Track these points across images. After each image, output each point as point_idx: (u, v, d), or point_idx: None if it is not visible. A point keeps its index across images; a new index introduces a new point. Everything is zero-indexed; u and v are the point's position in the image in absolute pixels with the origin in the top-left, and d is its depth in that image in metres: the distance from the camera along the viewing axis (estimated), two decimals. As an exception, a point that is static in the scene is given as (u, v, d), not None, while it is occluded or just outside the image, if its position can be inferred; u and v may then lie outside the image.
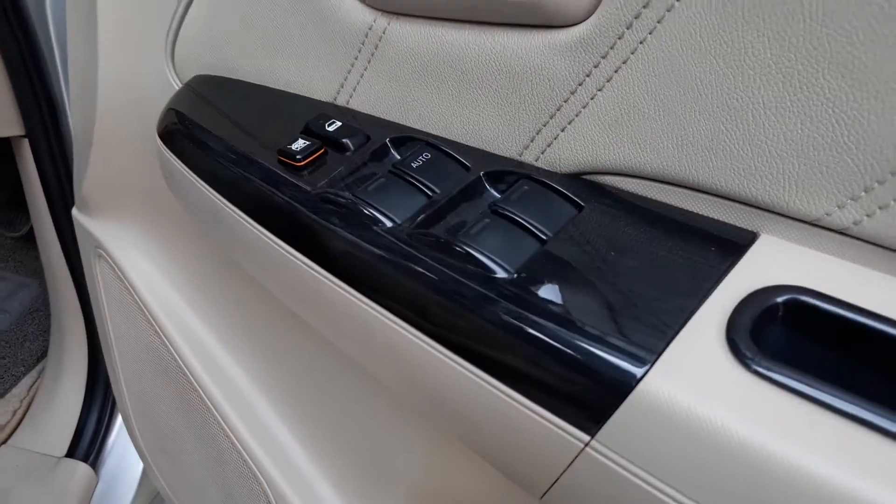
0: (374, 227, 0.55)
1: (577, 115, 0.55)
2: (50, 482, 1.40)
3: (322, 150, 0.62)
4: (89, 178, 1.00)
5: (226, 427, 0.93)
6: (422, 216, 0.54)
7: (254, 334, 0.88)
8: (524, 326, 0.47)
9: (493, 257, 0.50)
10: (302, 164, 0.61)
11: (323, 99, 0.71)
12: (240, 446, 0.92)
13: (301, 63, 0.72)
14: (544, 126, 0.57)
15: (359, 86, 0.68)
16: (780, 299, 0.44)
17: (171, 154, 0.76)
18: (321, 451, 0.84)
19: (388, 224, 0.55)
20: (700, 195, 0.51)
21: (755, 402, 0.39)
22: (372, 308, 0.55)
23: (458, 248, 0.51)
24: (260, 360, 0.89)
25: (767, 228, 0.49)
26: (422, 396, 0.58)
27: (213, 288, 0.92)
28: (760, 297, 0.44)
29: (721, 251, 0.48)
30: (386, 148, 0.62)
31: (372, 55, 0.65)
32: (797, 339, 0.41)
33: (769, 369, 0.40)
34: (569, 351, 0.45)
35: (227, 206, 0.68)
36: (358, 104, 0.68)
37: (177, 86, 0.83)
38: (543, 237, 0.52)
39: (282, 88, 0.74)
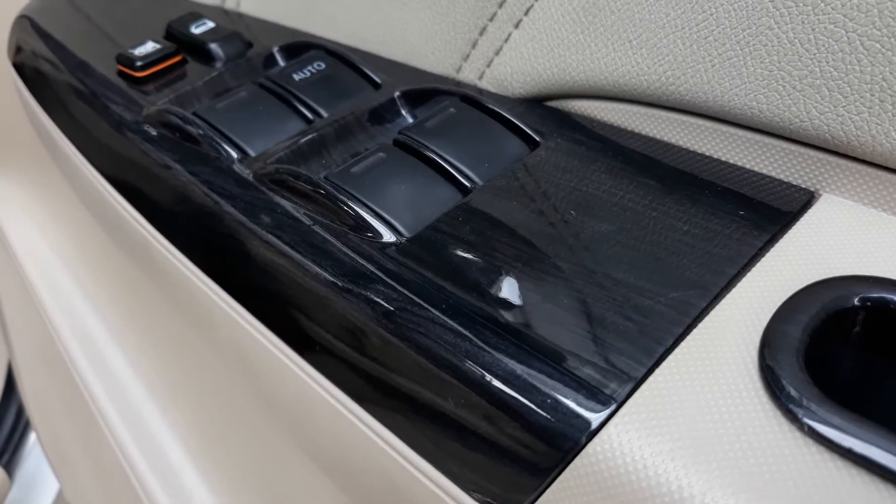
0: (215, 164, 0.35)
1: (527, 12, 0.35)
2: (-45, 483, 1.22)
3: (177, 58, 0.43)
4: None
5: (110, 438, 0.74)
6: (288, 150, 0.34)
7: (146, 327, 0.69)
8: (404, 327, 0.27)
9: (377, 210, 0.30)
10: (142, 74, 0.41)
11: (208, 2, 0.51)
12: (124, 462, 0.74)
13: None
14: (488, 23, 0.37)
15: (251, -20, 0.48)
16: (854, 300, 0.24)
17: (19, 77, 0.56)
18: (213, 472, 0.65)
19: (235, 157, 0.35)
20: (719, 127, 0.31)
21: (812, 490, 0.19)
22: (206, 286, 0.36)
23: (321, 194, 0.31)
24: (152, 358, 0.70)
25: (833, 185, 0.29)
26: (282, 419, 0.38)
27: (107, 268, 0.73)
28: (819, 296, 0.25)
29: (752, 218, 0.28)
30: (272, 59, 0.43)
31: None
32: (880, 368, 0.21)
33: (840, 427, 0.20)
34: (474, 374, 0.25)
35: (62, 139, 0.48)
36: (251, 7, 0.49)
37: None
38: (468, 185, 0.32)
39: (163, -10, 0.55)
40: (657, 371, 0.24)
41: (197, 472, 0.69)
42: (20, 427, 1.31)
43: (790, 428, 0.22)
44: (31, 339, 0.93)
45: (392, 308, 0.28)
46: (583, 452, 0.23)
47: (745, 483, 0.20)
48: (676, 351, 0.24)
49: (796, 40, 0.28)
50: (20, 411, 1.33)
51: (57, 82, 0.49)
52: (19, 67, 0.54)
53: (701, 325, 0.25)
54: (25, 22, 0.57)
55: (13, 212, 0.84)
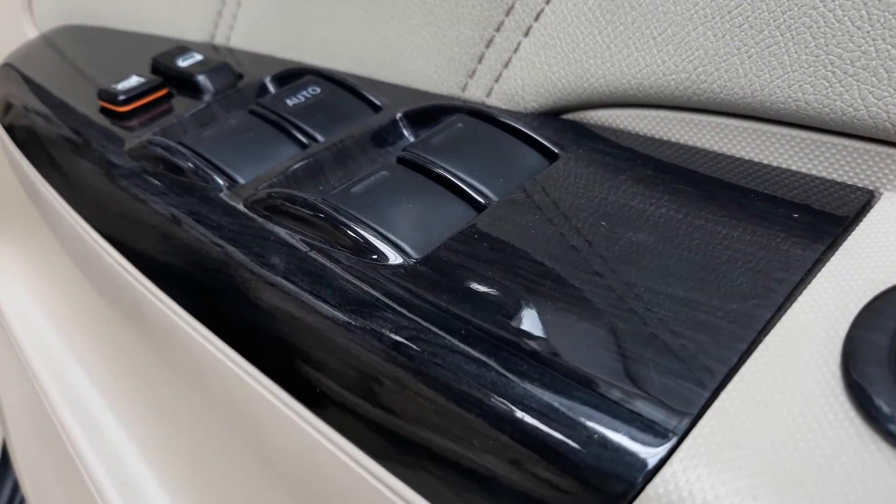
0: (201, 193, 0.32)
1: (537, 17, 0.32)
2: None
3: (162, 92, 0.40)
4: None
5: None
6: (281, 175, 0.31)
7: (141, 391, 0.65)
8: (418, 358, 0.23)
9: (381, 231, 0.27)
10: (125, 108, 0.38)
11: (198, 39, 0.49)
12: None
13: (170, -6, 0.50)
14: (495, 34, 0.34)
15: (239, 14, 0.46)
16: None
17: (2, 127, 0.54)
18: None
19: (223, 186, 0.32)
20: (759, 127, 0.28)
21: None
22: (194, 330, 0.32)
23: (319, 217, 0.28)
24: (147, 424, 0.66)
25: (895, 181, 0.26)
26: (284, 480, 0.34)
27: (99, 330, 0.70)
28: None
29: (808, 222, 0.25)
30: (264, 89, 0.40)
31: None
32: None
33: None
34: (503, 409, 0.21)
35: (44, 185, 0.45)
36: (241, 40, 0.46)
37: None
38: (482, 201, 0.28)
39: (150, 32, 0.52)
40: (722, 395, 0.20)
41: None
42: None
43: (893, 453, 0.18)
44: (25, 411, 0.89)
45: (403, 338, 0.24)
46: (641, 496, 0.19)
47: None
48: (743, 370, 0.20)
49: (845, 18, 0.25)
50: (15, 488, 1.27)
51: (37, 127, 0.46)
52: (1, 115, 0.52)
53: (768, 339, 0.21)
54: (9, 70, 0.55)
55: (4, 277, 0.81)
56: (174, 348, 0.38)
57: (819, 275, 0.23)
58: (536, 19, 0.32)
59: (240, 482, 0.50)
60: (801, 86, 0.27)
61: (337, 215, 0.27)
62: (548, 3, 0.32)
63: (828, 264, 0.24)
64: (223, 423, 0.40)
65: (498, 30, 0.34)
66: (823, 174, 0.28)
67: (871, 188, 0.27)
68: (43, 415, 0.82)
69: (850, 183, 0.27)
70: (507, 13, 0.33)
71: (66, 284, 0.74)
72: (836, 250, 0.24)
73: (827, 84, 0.26)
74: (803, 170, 0.28)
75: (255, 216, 0.30)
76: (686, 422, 0.19)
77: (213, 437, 0.44)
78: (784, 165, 0.28)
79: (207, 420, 0.44)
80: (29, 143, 0.47)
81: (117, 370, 0.69)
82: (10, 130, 0.51)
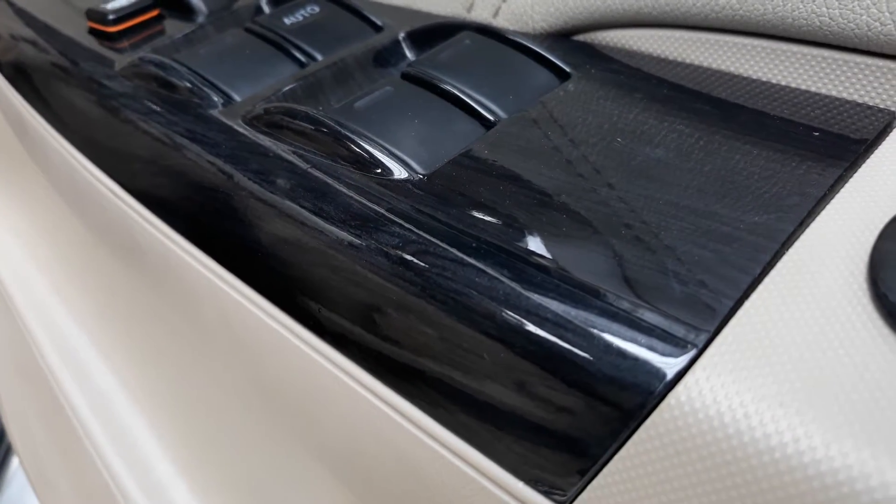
0: (196, 111, 0.31)
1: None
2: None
3: (154, 13, 0.38)
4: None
5: (95, 456, 0.69)
6: (279, 93, 0.30)
7: (130, 332, 0.64)
8: (426, 273, 0.22)
9: (387, 146, 0.25)
10: (115, 29, 0.37)
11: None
12: (111, 482, 0.69)
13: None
14: (505, -52, 0.33)
15: (235, -67, 0.44)
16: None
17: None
18: (206, 486, 0.60)
19: (219, 103, 0.31)
20: (779, 47, 0.27)
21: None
22: (189, 255, 0.31)
23: (321, 132, 0.26)
24: (136, 365, 0.65)
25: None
26: (283, 411, 0.33)
27: (87, 270, 0.69)
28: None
29: (829, 139, 0.24)
30: (259, 10, 0.38)
31: None
32: None
33: None
34: (515, 322, 0.20)
35: (31, 114, 0.43)
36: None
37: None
38: (491, 119, 0.27)
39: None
40: (746, 304, 0.19)
41: (188, 487, 0.64)
42: (2, 451, 1.25)
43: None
44: (11, 356, 0.88)
45: (410, 253, 0.23)
46: (660, 406, 0.18)
47: (877, 432, 0.16)
48: (766, 281, 0.20)
49: (879, -77, 0.24)
50: (1, 435, 1.27)
51: (23, 54, 0.44)
52: None
53: (791, 251, 0.20)
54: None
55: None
56: (168, 278, 0.37)
57: (842, 191, 0.22)
58: (547, -67, 0.31)
59: (237, 418, 0.50)
60: (824, 0, 0.25)
61: (340, 129, 0.26)
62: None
63: (850, 181, 0.23)
64: (220, 356, 0.39)
65: (506, -55, 0.32)
66: (845, 95, 0.27)
67: (893, 109, 0.26)
68: (28, 356, 0.81)
69: (871, 104, 0.26)
70: (517, -73, 0.32)
71: (51, 224, 0.73)
72: (858, 169, 0.23)
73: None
74: (824, 91, 0.27)
75: (252, 133, 0.29)
76: (707, 332, 0.19)
77: (206, 369, 0.43)
78: (804, 86, 0.27)
79: (200, 351, 0.43)
80: (15, 71, 0.46)
81: (105, 310, 0.68)
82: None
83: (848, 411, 0.16)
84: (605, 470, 0.19)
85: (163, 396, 0.64)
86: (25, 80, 0.46)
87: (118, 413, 0.69)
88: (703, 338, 0.18)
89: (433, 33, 0.33)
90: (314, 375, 0.27)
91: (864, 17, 0.25)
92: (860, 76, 0.26)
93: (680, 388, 0.18)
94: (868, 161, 0.24)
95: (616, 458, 0.19)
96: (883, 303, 0.18)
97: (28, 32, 0.45)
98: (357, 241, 0.24)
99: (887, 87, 0.26)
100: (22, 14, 0.46)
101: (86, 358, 0.73)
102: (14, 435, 0.97)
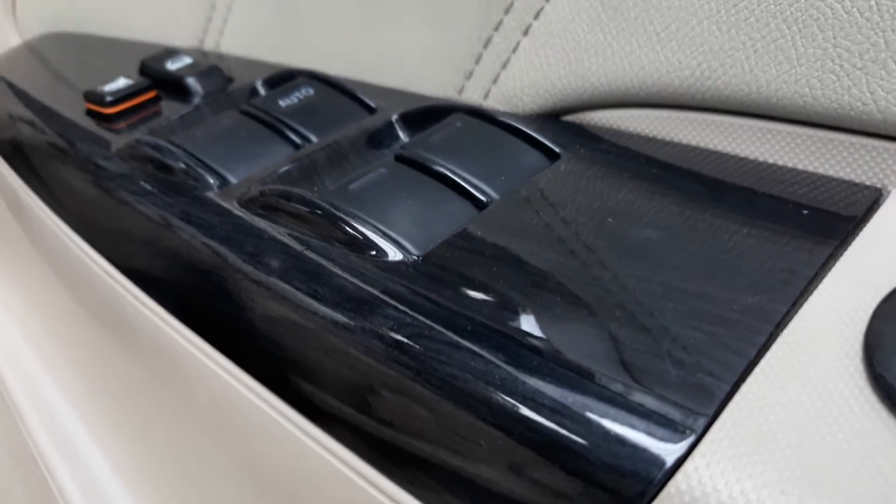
0: (191, 193, 0.31)
1: (537, 15, 0.32)
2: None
3: (151, 94, 0.39)
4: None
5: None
6: (274, 174, 0.30)
7: (120, 411, 0.63)
8: (421, 357, 0.22)
9: (381, 228, 0.26)
10: (112, 110, 0.37)
11: (186, 45, 0.48)
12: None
13: (156, 2, 0.49)
14: (493, 33, 0.33)
15: (230, 19, 0.45)
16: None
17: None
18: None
19: (214, 185, 0.31)
20: (765, 126, 0.28)
21: None
22: (182, 336, 0.31)
23: (316, 214, 0.27)
24: (126, 446, 0.64)
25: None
26: (278, 497, 0.32)
27: (77, 348, 0.68)
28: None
29: (818, 219, 0.24)
30: (255, 92, 0.39)
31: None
32: None
33: None
34: (512, 407, 0.20)
35: (26, 192, 0.44)
36: (232, 45, 0.46)
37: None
38: (483, 199, 0.28)
39: (139, 39, 0.51)
40: (743, 388, 0.19)
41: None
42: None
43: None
44: (-1, 431, 0.86)
45: (405, 336, 0.23)
46: (661, 494, 0.18)
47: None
48: (762, 363, 0.20)
49: (853, 9, 0.25)
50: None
51: (20, 134, 0.45)
52: None
53: (786, 332, 0.20)
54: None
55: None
56: (160, 358, 0.37)
57: (833, 270, 0.23)
58: (536, 17, 0.32)
59: (227, 500, 0.49)
60: (808, 80, 0.26)
61: (335, 211, 0.26)
62: (539, 13, 0.31)
63: (840, 260, 0.23)
64: (209, 437, 0.39)
65: (496, 29, 0.33)
66: (831, 172, 0.27)
67: (878, 186, 0.26)
68: (16, 434, 0.79)
69: (857, 181, 0.27)
70: (507, 12, 0.33)
71: (44, 300, 0.73)
72: (848, 247, 0.24)
73: (835, 78, 0.26)
74: (810, 168, 0.27)
75: (247, 215, 0.29)
76: (706, 417, 0.18)
77: (197, 452, 0.43)
78: (791, 164, 0.28)
79: (191, 434, 0.43)
80: (12, 151, 0.46)
81: (95, 388, 0.67)
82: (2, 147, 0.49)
83: (850, 499, 0.16)
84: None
85: (152, 475, 0.62)
86: (22, 160, 0.46)
87: (105, 492, 0.67)
88: (701, 423, 0.18)
89: (425, 115, 0.34)
90: (304, 459, 0.27)
91: (846, 97, 0.26)
92: (845, 154, 0.27)
93: (680, 476, 0.18)
94: (857, 238, 0.24)
95: (617, 548, 0.18)
96: (880, 384, 0.18)
97: (26, 113, 0.45)
98: (351, 322, 0.24)
99: (872, 164, 0.26)
100: (21, 95, 0.47)
101: (75, 436, 0.71)
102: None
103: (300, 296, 0.26)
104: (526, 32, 0.33)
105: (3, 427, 0.81)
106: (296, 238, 0.27)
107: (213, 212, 0.30)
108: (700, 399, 0.19)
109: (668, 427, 0.18)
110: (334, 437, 0.25)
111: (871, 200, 0.26)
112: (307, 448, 0.26)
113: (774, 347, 0.20)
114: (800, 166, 0.28)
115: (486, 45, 0.34)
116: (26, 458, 0.77)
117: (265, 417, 0.28)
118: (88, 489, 0.69)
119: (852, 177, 0.27)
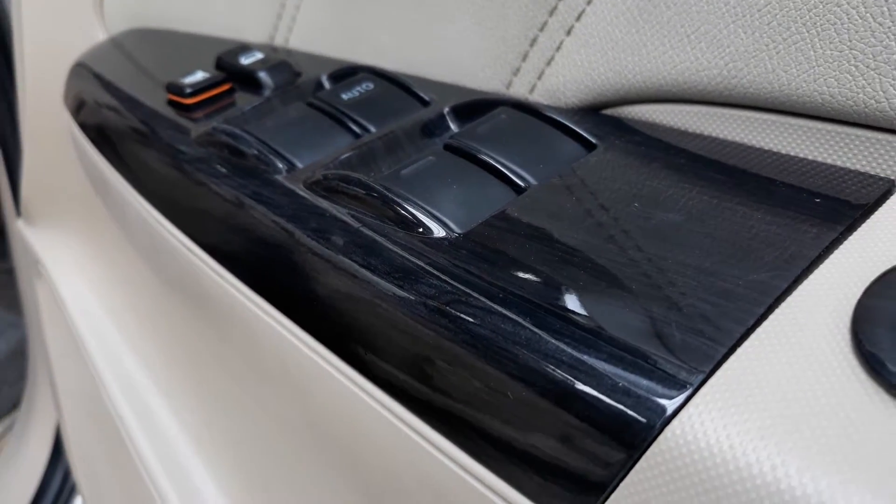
0: (263, 176, 0.35)
1: (579, 17, 0.34)
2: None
3: (226, 87, 0.43)
4: (25, 176, 0.83)
5: (158, 499, 0.72)
6: (336, 160, 0.34)
7: (194, 378, 0.68)
8: (459, 319, 0.25)
9: (427, 208, 0.29)
10: (191, 101, 0.41)
11: (258, 41, 0.52)
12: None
13: (231, 1, 0.53)
14: (539, 33, 0.36)
15: (298, 17, 0.49)
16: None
17: (75, 123, 0.57)
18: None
19: (283, 169, 0.35)
20: (786, 121, 0.30)
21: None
22: (254, 303, 0.34)
23: (372, 196, 0.30)
24: (199, 411, 0.69)
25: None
26: (332, 450, 0.36)
27: (155, 320, 0.73)
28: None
29: (829, 206, 0.26)
30: (320, 85, 0.42)
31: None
32: None
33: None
34: (534, 363, 0.23)
35: (113, 174, 0.48)
36: (299, 42, 0.49)
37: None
38: (522, 185, 0.31)
39: (215, 34, 0.56)
40: (738, 352, 0.22)
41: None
42: (65, 490, 1.30)
43: (893, 402, 0.19)
44: (80, 399, 0.92)
45: (445, 302, 0.26)
46: (659, 438, 0.21)
47: (846, 462, 0.18)
48: (759, 331, 0.22)
49: (868, 14, 0.27)
50: (66, 475, 1.31)
51: (108, 120, 0.49)
52: (74, 112, 0.55)
53: (783, 305, 0.23)
54: (81, 69, 0.59)
55: (67, 271, 0.85)
56: (232, 324, 0.41)
57: (835, 252, 0.25)
58: (578, 19, 0.35)
59: (289, 456, 0.53)
60: (825, 80, 0.28)
61: (388, 193, 0.30)
62: (589, 3, 0.34)
63: (845, 244, 0.25)
64: (275, 397, 0.43)
65: (542, 29, 0.36)
66: (846, 164, 0.29)
67: (892, 178, 0.28)
68: (97, 402, 0.85)
69: (872, 173, 0.29)
70: (551, 13, 0.35)
71: (125, 277, 0.78)
72: (854, 232, 0.26)
73: (850, 78, 0.28)
74: (828, 160, 0.30)
75: (312, 196, 0.33)
76: (702, 374, 0.21)
77: (264, 412, 0.47)
78: (809, 156, 0.30)
79: (259, 396, 0.47)
80: (100, 136, 0.51)
81: (172, 360, 0.72)
82: (83, 125, 0.54)
83: (822, 444, 0.19)
84: (612, 497, 0.22)
85: (221, 437, 0.67)
86: (108, 144, 0.51)
87: (179, 455, 0.72)
88: (697, 378, 0.21)
89: (474, 108, 0.37)
90: (359, 411, 0.30)
91: (860, 95, 0.28)
92: (860, 147, 0.29)
93: (675, 422, 0.20)
94: (865, 224, 0.26)
95: (622, 485, 0.21)
96: (861, 350, 0.21)
97: (112, 101, 0.50)
98: (400, 290, 0.28)
99: (886, 157, 0.28)
100: (107, 85, 0.52)
101: (152, 403, 0.76)
102: (80, 477, 1.01)
103: (356, 267, 0.29)
104: (569, 32, 0.35)
105: (87, 395, 0.87)
106: (353, 217, 0.31)
107: (281, 193, 0.33)
108: (698, 359, 0.21)
109: (669, 381, 0.21)
110: (382, 389, 0.28)
111: (884, 190, 0.28)
112: (360, 399, 0.29)
113: (771, 317, 0.22)
114: (818, 158, 0.30)
115: (532, 44, 0.37)
116: (107, 424, 0.82)
117: (325, 374, 0.32)
118: (162, 451, 0.74)
119: (867, 168, 0.29)
